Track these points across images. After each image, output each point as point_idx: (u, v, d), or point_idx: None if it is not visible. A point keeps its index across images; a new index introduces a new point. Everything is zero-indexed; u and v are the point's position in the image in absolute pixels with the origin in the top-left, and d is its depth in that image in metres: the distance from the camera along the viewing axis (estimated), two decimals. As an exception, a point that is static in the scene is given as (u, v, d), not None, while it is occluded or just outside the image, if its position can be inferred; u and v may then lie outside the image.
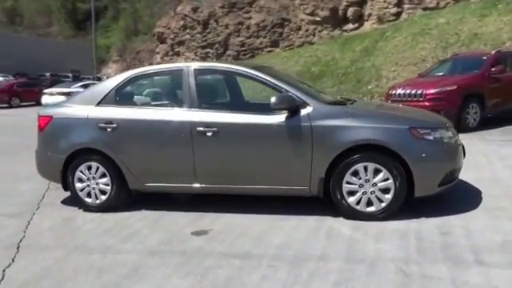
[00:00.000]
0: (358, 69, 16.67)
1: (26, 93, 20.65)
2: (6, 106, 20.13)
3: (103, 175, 4.12)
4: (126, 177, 4.08)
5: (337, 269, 2.76)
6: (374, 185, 3.55)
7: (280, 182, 3.76)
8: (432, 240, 3.13)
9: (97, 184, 4.14)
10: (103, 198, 4.15)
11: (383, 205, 3.56)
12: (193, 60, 27.61)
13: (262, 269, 2.83)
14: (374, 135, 3.51)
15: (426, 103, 8.10)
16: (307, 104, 3.66)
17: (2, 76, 28.71)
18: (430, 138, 3.56)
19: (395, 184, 3.50)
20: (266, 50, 25.15)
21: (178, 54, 28.67)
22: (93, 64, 23.53)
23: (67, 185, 4.25)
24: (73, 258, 3.14)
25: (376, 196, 3.56)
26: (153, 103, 4.23)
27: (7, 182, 5.60)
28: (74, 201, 4.36)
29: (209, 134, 3.78)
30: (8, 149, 8.23)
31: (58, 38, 50.09)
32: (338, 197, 3.62)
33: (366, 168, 3.54)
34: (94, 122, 4.08)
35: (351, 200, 3.61)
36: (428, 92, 8.16)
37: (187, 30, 27.80)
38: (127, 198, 4.21)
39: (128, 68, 47.08)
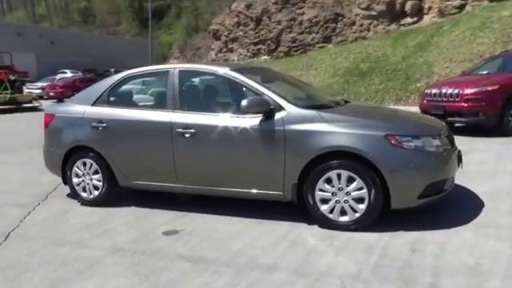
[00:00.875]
0: (408, 65, 15.82)
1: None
2: (70, 100, 21.80)
3: (96, 172, 4.31)
4: (116, 174, 4.24)
5: (279, 281, 2.67)
6: (348, 194, 3.36)
7: (254, 186, 3.69)
8: (396, 257, 2.90)
9: (91, 180, 4.35)
10: (96, 193, 4.36)
11: (357, 215, 3.37)
12: (244, 57, 27.96)
13: (207, 274, 2.80)
14: (347, 142, 3.32)
15: (463, 104, 7.51)
16: (282, 108, 3.56)
17: (72, 72, 31.04)
18: (411, 145, 3.29)
19: (369, 194, 3.29)
20: (317, 45, 24.67)
21: (231, 50, 29.13)
22: (150, 60, 24.68)
23: (67, 179, 4.51)
24: (45, 250, 3.33)
25: (349, 205, 3.38)
26: (140, 104, 4.35)
27: (34, 172, 6.02)
28: (77, 194, 4.61)
29: (187, 135, 3.81)
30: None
31: (125, 35, 52.96)
32: (311, 204, 3.48)
33: (339, 176, 3.37)
34: (88, 120, 4.28)
35: (324, 208, 3.45)
36: (465, 92, 7.53)
37: (240, 27, 28.09)
38: (118, 193, 4.38)
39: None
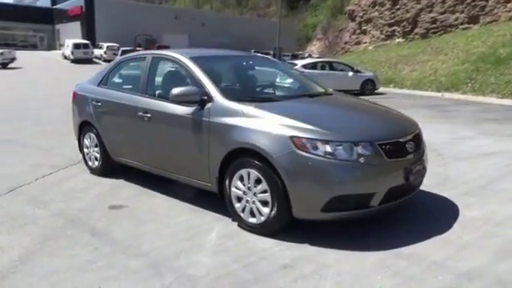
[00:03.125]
0: (561, 52, 12.76)
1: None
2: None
3: (96, 145, 4.88)
4: (107, 149, 4.73)
5: (127, 268, 2.73)
6: (255, 195, 3.14)
7: (191, 174, 3.72)
8: (257, 269, 2.66)
9: (93, 152, 4.95)
10: (96, 163, 4.94)
11: (262, 219, 3.13)
12: (377, 39, 26.25)
13: (88, 249, 3.01)
14: (254, 140, 3.08)
15: None
16: (212, 98, 3.47)
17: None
18: (318, 151, 2.87)
19: (272, 198, 3.02)
20: (461, 27, 21.63)
21: (364, 32, 27.71)
22: (277, 43, 25.26)
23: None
24: (17, 205, 3.96)
25: (256, 207, 3.16)
26: (124, 87, 4.68)
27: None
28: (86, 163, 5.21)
29: (145, 119, 4.02)
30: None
31: (273, 17, 54.82)
32: (228, 200, 3.36)
33: (249, 175, 3.16)
34: (92, 99, 4.85)
35: (237, 206, 3.31)
36: None
37: (376, 7, 26.40)
38: (113, 166, 4.87)
39: (329, 46, 47.89)
